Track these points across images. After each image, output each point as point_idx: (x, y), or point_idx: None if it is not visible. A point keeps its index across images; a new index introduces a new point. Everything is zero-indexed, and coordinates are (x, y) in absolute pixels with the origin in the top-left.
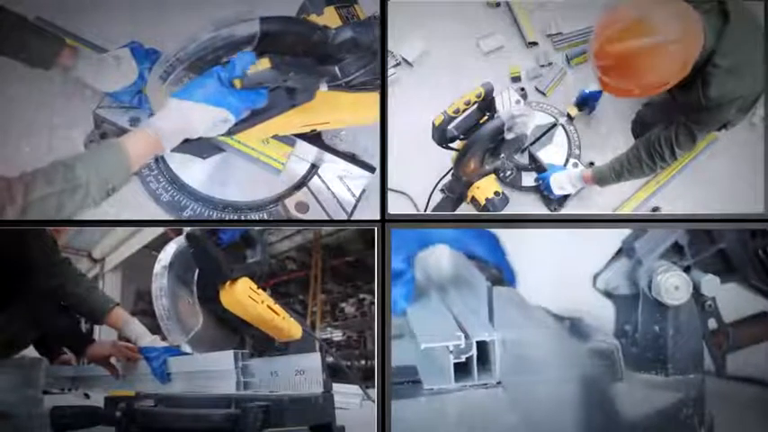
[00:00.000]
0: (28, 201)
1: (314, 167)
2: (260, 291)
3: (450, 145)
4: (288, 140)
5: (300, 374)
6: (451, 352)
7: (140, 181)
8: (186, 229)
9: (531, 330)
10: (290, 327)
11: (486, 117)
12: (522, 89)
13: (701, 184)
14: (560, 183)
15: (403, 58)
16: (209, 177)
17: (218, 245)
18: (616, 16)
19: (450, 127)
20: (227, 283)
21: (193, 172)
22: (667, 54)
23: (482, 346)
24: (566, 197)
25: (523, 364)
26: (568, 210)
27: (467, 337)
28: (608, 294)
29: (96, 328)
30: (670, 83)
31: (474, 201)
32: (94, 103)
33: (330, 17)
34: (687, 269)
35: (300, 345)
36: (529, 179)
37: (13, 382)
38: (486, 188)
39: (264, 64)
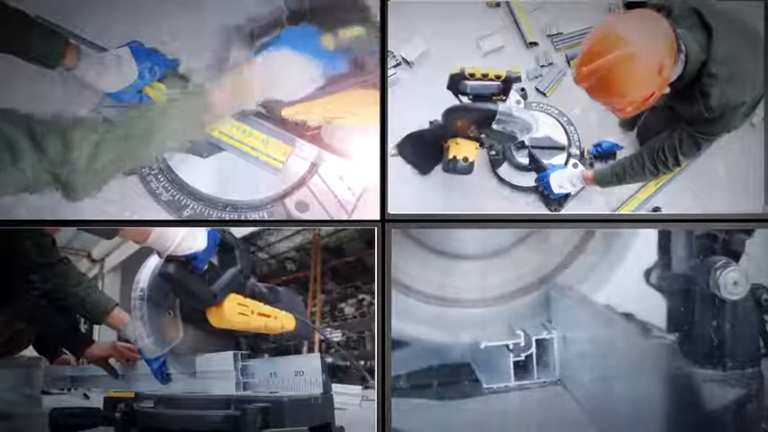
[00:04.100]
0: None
1: (314, 167)
2: (248, 300)
3: (460, 96)
4: (288, 140)
5: (300, 375)
6: (511, 350)
7: (140, 180)
8: (159, 264)
9: (590, 327)
10: (284, 322)
11: (501, 97)
12: (523, 89)
13: (701, 184)
14: (560, 181)
15: (403, 58)
16: (210, 176)
17: (194, 272)
18: (587, 39)
19: (467, 82)
20: (213, 306)
21: (193, 171)
22: (638, 62)
23: (541, 344)
24: (566, 197)
25: (582, 361)
26: (568, 210)
27: (526, 334)
28: (661, 290)
29: (96, 328)
30: (656, 92)
31: (446, 151)
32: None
33: None
34: (726, 242)
35: (297, 335)
36: (525, 179)
37: (13, 382)
38: (461, 148)
39: (359, 31)
